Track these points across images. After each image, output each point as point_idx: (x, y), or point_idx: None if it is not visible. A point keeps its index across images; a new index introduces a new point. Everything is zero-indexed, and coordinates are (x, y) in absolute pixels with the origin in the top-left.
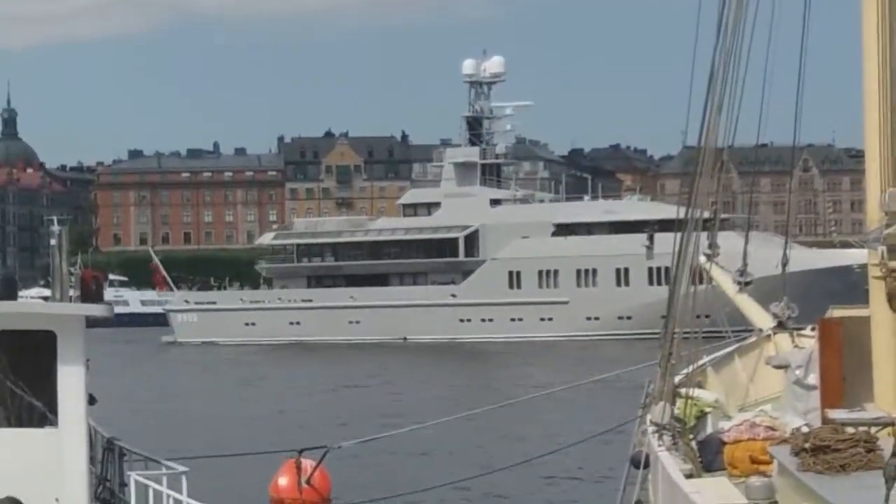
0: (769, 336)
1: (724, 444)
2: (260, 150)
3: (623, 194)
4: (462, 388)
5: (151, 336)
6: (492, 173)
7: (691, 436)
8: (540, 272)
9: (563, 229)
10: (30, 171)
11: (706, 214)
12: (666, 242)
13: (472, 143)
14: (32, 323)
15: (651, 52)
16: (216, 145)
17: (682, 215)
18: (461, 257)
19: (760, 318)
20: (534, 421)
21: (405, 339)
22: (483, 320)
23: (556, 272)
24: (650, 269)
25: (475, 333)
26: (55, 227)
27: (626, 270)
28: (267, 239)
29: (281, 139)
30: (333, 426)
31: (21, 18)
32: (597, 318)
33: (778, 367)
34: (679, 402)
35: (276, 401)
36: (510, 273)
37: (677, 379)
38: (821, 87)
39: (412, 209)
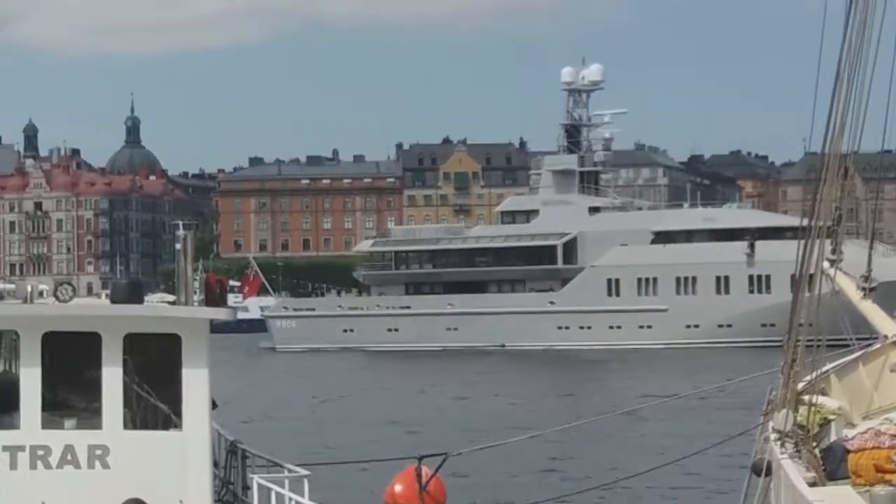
0: (894, 343)
1: (848, 452)
2: (379, 156)
3: (745, 201)
4: (573, 396)
5: (250, 342)
6: (590, 181)
7: (814, 444)
8: (639, 279)
9: (663, 237)
10: (152, 178)
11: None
12: (766, 250)
13: (571, 151)
14: (158, 326)
15: (773, 56)
16: (335, 152)
17: (805, 222)
18: (559, 265)
19: (886, 324)
20: (650, 430)
21: (503, 345)
22: (581, 328)
23: (655, 280)
24: (750, 277)
25: (573, 341)
26: (181, 232)
27: (727, 278)
28: (365, 246)
29: (399, 146)
30: (448, 433)
31: (143, 27)
32: (696, 326)
33: None
34: (802, 410)
35: (386, 408)
36: (609, 280)
37: (800, 386)
38: None
39: (511, 217)
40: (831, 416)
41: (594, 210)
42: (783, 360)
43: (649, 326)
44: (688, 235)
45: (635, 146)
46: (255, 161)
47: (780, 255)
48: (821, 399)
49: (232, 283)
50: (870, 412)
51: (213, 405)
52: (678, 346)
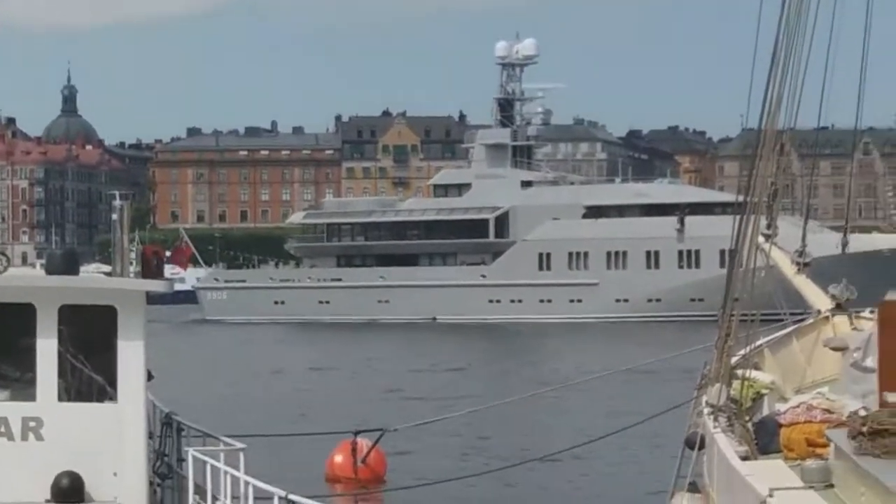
0: (827, 318)
1: (781, 426)
2: (317, 128)
3: (682, 176)
4: (506, 371)
5: (179, 314)
6: (523, 155)
7: (747, 417)
8: (570, 254)
9: (594, 211)
10: (89, 147)
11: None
12: (696, 226)
13: (504, 125)
14: (94, 297)
15: (711, 31)
16: (274, 124)
17: (741, 198)
18: (491, 238)
19: (819, 299)
20: (585, 405)
21: (434, 318)
22: (512, 301)
23: (586, 254)
24: (680, 252)
25: (504, 314)
26: (117, 202)
27: (657, 253)
28: (298, 218)
29: (338, 118)
30: (383, 408)
31: None
32: (626, 301)
33: (836, 349)
34: (735, 384)
35: (319, 381)
36: (540, 255)
37: (734, 360)
38: (884, 69)
39: (443, 190)
40: (764, 391)
41: (526, 184)
42: (717, 335)
43: (580, 300)
44: (619, 210)
45: (574, 121)
46: (193, 132)
47: (709, 231)
48: (754, 373)
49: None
50: (802, 386)
51: (149, 377)
52: (608, 319)
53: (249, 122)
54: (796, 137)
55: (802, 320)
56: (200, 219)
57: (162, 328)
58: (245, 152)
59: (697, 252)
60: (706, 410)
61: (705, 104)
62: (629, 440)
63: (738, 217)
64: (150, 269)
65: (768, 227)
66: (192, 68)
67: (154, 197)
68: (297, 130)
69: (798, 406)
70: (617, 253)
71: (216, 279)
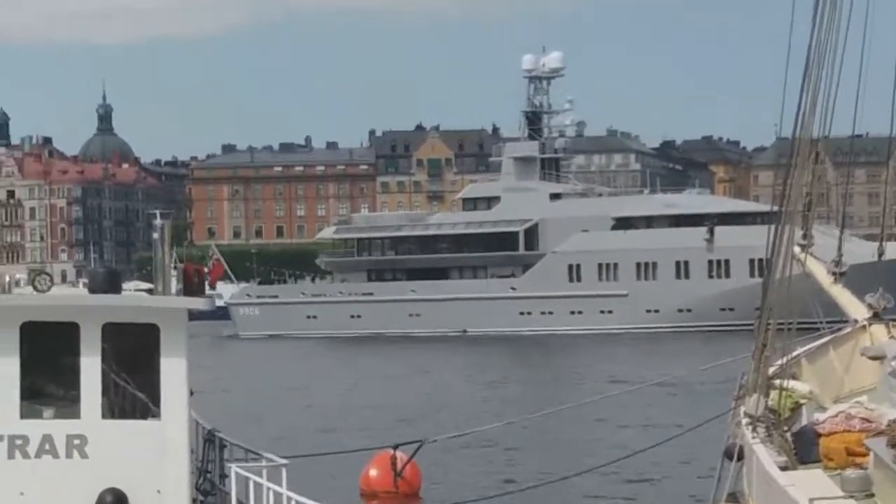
0: (864, 327)
1: (820, 435)
2: (352, 143)
3: (716, 186)
4: (540, 383)
5: (211, 329)
6: (551, 167)
7: (786, 428)
8: (600, 265)
9: (623, 223)
10: (125, 166)
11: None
12: (725, 236)
13: (532, 138)
14: (137, 316)
15: (745, 41)
16: (308, 139)
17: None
18: (521, 251)
19: (855, 308)
20: (623, 417)
21: (465, 331)
22: (543, 313)
23: (615, 265)
24: (710, 262)
25: (535, 326)
26: (158, 221)
27: (686, 263)
28: (328, 233)
29: (372, 133)
30: (420, 420)
31: (116, 15)
32: (656, 311)
33: (873, 357)
34: (773, 394)
35: (355, 395)
36: (570, 266)
37: (771, 370)
38: None
39: (472, 203)
40: (802, 400)
41: (555, 196)
42: (754, 345)
43: (610, 311)
44: (648, 221)
45: (608, 132)
46: (228, 148)
47: (739, 241)
48: (792, 383)
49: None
50: (840, 396)
51: (190, 393)
52: (639, 330)
53: (284, 138)
54: (831, 145)
55: (839, 329)
56: (237, 235)
57: (195, 343)
58: (280, 168)
59: (727, 262)
60: (745, 421)
61: (739, 114)
62: (668, 452)
63: (773, 227)
64: (192, 286)
65: (804, 236)
66: (226, 85)
67: (191, 214)
68: (332, 145)
69: (837, 415)
70: (647, 264)
71: (248, 295)
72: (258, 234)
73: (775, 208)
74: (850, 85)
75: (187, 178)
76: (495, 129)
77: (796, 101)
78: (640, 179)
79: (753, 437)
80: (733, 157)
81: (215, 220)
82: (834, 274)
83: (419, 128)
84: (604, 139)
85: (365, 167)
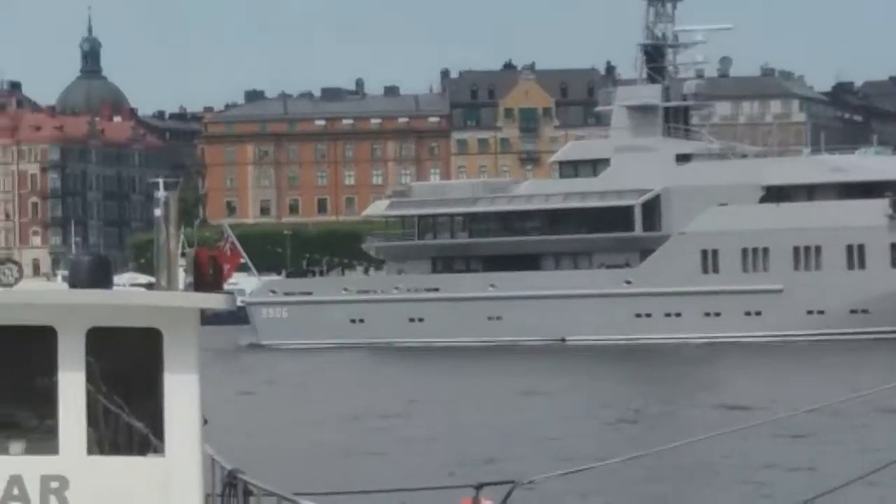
0: None
1: None
2: (418, 88)
3: None
4: (669, 407)
5: (224, 337)
6: (678, 120)
7: None
8: (744, 251)
9: (775, 194)
10: (118, 119)
11: None
12: None
13: (652, 80)
14: (133, 318)
15: None
16: (360, 83)
17: None
18: (638, 232)
19: None
20: (790, 453)
21: (563, 340)
22: (668, 315)
23: (765, 251)
24: (893, 246)
25: (657, 332)
26: (161, 193)
27: (861, 248)
28: (380, 209)
29: (445, 74)
30: (506, 456)
31: None
32: (821, 313)
33: None
34: None
35: (420, 421)
36: (704, 252)
37: None
38: None
39: (572, 168)
40: None
41: (683, 158)
42: None
43: (758, 313)
44: (809, 191)
45: (762, 71)
46: (254, 96)
47: None
48: None
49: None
50: None
51: (203, 422)
52: (797, 338)
53: (327, 82)
54: None
55: None
56: (265, 212)
57: (206, 357)
58: (322, 122)
59: None
60: None
61: None
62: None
63: None
64: (205, 279)
65: None
66: (250, 13)
67: (204, 183)
68: (391, 91)
69: None
70: (807, 249)
71: (273, 291)
72: (293, 210)
73: None
74: None
75: (199, 136)
76: (609, 69)
77: None
78: (805, 134)
79: None
80: None
81: (236, 192)
82: None
83: (508, 67)
84: (756, 81)
85: (436, 120)
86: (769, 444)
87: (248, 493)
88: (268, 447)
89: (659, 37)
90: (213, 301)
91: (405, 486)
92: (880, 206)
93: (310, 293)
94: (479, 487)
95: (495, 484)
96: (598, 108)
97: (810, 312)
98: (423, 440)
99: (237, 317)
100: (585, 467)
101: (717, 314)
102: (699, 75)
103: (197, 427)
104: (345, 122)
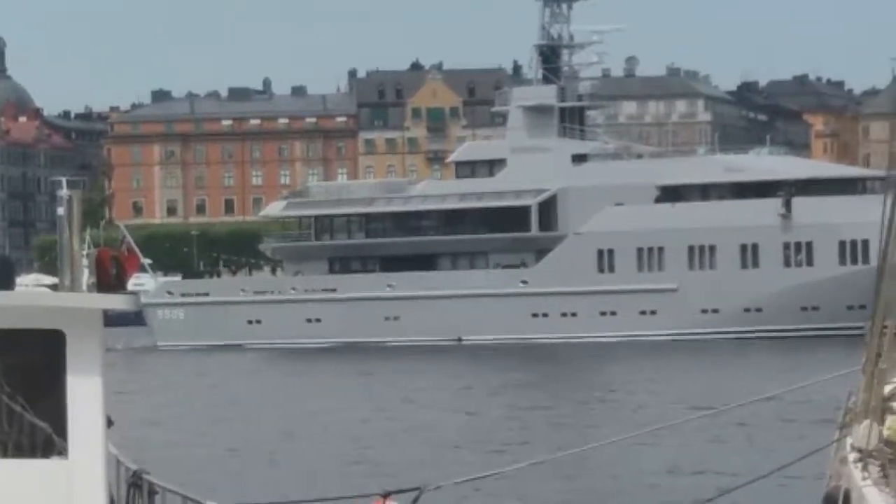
0: None
1: None
2: (325, 88)
3: (813, 141)
4: (567, 410)
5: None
6: (573, 120)
7: None
8: (639, 250)
9: (670, 194)
10: (23, 119)
11: None
12: (808, 210)
13: (548, 81)
14: (35, 320)
15: None
16: (267, 83)
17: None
18: (534, 231)
19: None
20: (683, 453)
21: (460, 339)
22: (564, 315)
23: (660, 250)
24: (787, 246)
25: (553, 332)
26: (64, 192)
27: (755, 247)
28: (277, 209)
29: (353, 74)
30: (410, 461)
31: None
32: (715, 311)
33: None
34: (890, 421)
35: (320, 426)
36: (599, 252)
37: (888, 389)
38: None
39: (469, 168)
40: None
41: (579, 158)
42: (864, 356)
43: (653, 312)
44: (704, 191)
45: (668, 71)
46: (160, 95)
47: (826, 216)
48: None
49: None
50: None
51: (109, 423)
52: (691, 337)
53: (234, 82)
54: None
55: None
56: (172, 212)
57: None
58: (229, 122)
59: (809, 245)
60: (852, 457)
61: (844, 46)
62: (750, 499)
63: (891, 195)
64: (108, 279)
65: None
66: (158, 10)
67: (110, 183)
68: (298, 91)
69: None
70: (702, 248)
71: (169, 292)
72: (200, 210)
73: (893, 172)
74: None
75: (105, 136)
76: (517, 69)
77: None
78: (710, 133)
79: (864, 479)
80: (836, 103)
81: (143, 192)
82: None
83: (415, 67)
84: (662, 80)
85: (343, 119)
86: (670, 445)
87: (152, 493)
88: (173, 448)
89: (555, 37)
90: (116, 301)
91: (311, 495)
92: (773, 205)
93: (206, 294)
94: (385, 495)
95: (402, 491)
96: (495, 109)
97: (705, 311)
98: (322, 444)
99: (135, 318)
100: (491, 473)
101: (613, 313)
102: (605, 75)
103: (101, 428)
104: (252, 122)
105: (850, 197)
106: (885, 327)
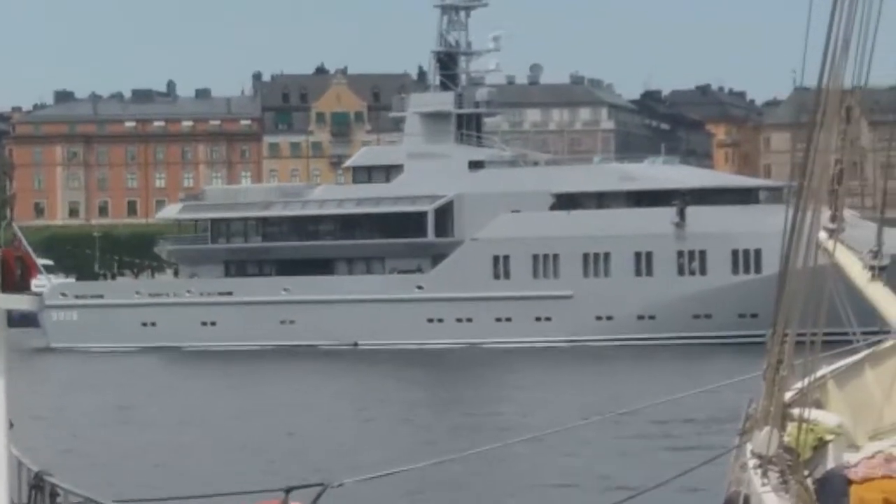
0: None
1: (851, 482)
2: (229, 91)
3: (715, 151)
4: (461, 415)
5: (15, 341)
6: (470, 126)
7: (806, 472)
8: (535, 257)
9: (566, 201)
10: None
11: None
12: (701, 218)
13: (445, 87)
14: None
15: None
16: (171, 85)
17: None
18: (430, 237)
19: None
20: (580, 458)
21: (356, 344)
22: (459, 320)
23: (556, 257)
24: (680, 254)
25: (448, 337)
26: None
27: (649, 255)
28: (172, 212)
29: (257, 77)
30: (309, 460)
31: None
32: (609, 318)
33: None
34: (790, 428)
35: (219, 426)
36: (495, 258)
37: (788, 397)
38: None
39: (365, 174)
40: (828, 437)
41: (475, 165)
42: (765, 363)
43: (548, 318)
44: (599, 199)
45: (572, 79)
46: (63, 96)
47: (718, 225)
48: (815, 413)
49: (45, 261)
50: (879, 430)
51: (9, 425)
52: (585, 343)
53: (138, 84)
54: (867, 99)
55: (878, 343)
56: (74, 213)
57: None
58: (133, 123)
59: (703, 254)
60: (752, 463)
61: (746, 56)
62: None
63: (791, 206)
64: (12, 279)
65: (832, 219)
66: (60, 14)
67: (11, 184)
68: (203, 94)
69: (873, 457)
70: (597, 255)
71: (63, 294)
72: (103, 211)
73: (793, 183)
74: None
75: (6, 136)
76: (422, 74)
77: (823, 38)
78: (613, 142)
79: (763, 485)
80: (738, 113)
81: (45, 193)
82: (871, 268)
83: (320, 71)
84: (565, 88)
85: (247, 123)
86: (564, 450)
87: (54, 495)
88: (75, 450)
89: (452, 44)
90: (21, 302)
91: (209, 491)
92: (667, 214)
93: (101, 296)
94: (288, 491)
95: (304, 487)
96: (393, 114)
97: (599, 318)
98: (219, 445)
99: (30, 319)
100: (395, 471)
101: (509, 319)
102: (509, 83)
103: (3, 430)
104: (156, 123)
105: (744, 206)
106: (785, 335)
